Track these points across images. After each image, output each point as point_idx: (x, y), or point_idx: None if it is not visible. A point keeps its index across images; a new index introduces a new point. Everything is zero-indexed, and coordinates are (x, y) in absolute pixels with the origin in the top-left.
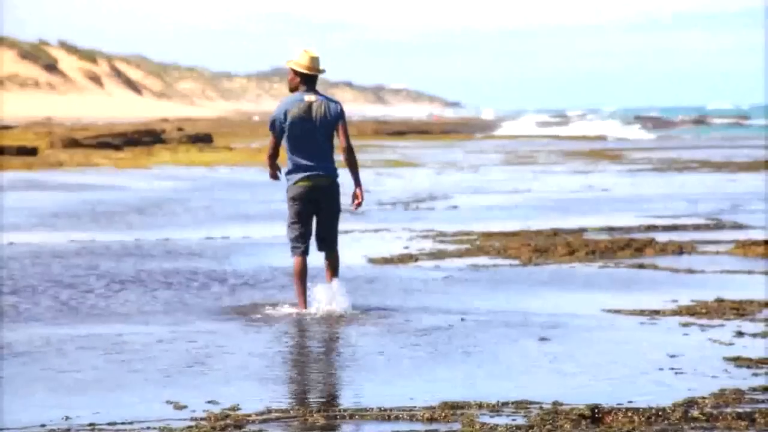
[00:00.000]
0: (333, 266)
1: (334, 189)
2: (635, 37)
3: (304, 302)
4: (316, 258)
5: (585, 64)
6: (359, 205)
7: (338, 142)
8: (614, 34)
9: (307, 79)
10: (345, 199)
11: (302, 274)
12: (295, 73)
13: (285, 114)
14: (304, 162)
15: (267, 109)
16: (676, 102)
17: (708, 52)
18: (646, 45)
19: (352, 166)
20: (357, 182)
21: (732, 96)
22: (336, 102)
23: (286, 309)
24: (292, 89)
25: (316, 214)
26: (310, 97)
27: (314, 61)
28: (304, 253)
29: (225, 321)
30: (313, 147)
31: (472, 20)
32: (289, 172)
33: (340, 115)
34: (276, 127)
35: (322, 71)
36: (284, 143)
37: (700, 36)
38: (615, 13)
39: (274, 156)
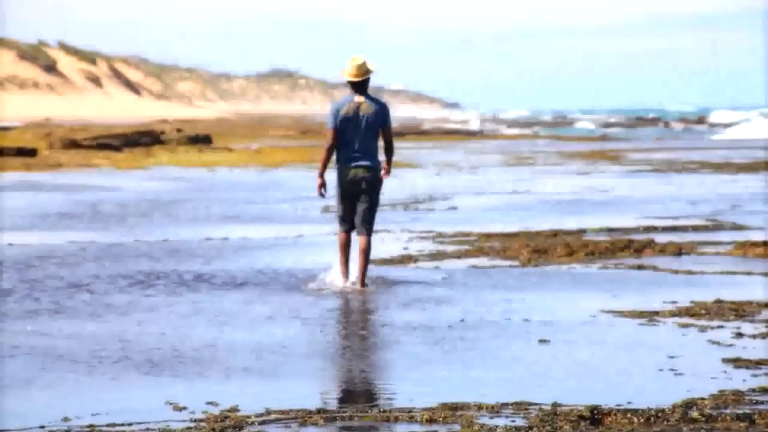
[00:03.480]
0: (365, 253)
1: (375, 180)
2: (635, 38)
3: (345, 271)
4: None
5: (585, 65)
6: (387, 173)
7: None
8: (614, 35)
9: (356, 85)
10: None
11: (345, 247)
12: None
13: (338, 111)
14: (350, 154)
15: (266, 109)
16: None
17: (709, 52)
18: (647, 45)
19: (388, 154)
20: (389, 162)
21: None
22: (383, 104)
23: (286, 309)
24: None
25: (358, 200)
26: (359, 98)
27: (359, 67)
28: (348, 230)
29: (224, 321)
30: (360, 142)
31: (473, 21)
32: (337, 162)
33: (386, 116)
34: (333, 123)
35: (370, 72)
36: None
37: (700, 36)
38: (615, 14)
39: (332, 149)
